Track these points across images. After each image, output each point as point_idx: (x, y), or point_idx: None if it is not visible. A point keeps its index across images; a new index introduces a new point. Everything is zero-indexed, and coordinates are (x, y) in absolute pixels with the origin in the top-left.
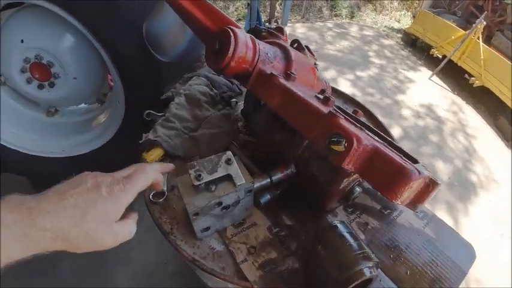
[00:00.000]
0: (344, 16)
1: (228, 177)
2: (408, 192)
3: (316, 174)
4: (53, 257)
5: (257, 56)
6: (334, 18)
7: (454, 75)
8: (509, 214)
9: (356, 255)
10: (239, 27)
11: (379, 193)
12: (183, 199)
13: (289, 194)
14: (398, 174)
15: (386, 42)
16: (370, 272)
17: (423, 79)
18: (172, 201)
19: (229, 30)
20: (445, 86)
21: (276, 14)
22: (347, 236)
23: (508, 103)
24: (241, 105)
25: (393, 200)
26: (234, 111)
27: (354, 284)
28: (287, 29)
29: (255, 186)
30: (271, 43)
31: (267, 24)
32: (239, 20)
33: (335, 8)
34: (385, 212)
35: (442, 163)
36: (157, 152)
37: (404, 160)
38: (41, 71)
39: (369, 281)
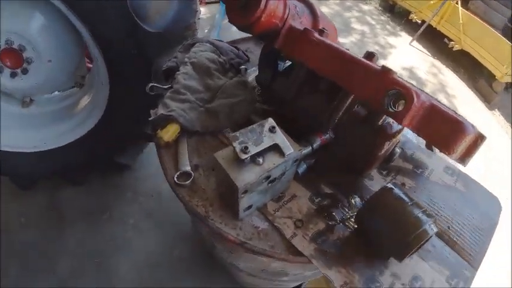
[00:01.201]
0: None
1: (274, 147)
2: (463, 146)
3: (357, 138)
4: (52, 255)
5: (287, 10)
6: None
7: (434, 40)
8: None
9: (417, 215)
10: None
11: (409, 153)
12: (230, 176)
13: (323, 162)
14: (456, 129)
15: (366, 7)
16: (432, 229)
17: (404, 44)
18: (200, 182)
19: None
20: (425, 50)
21: None
22: (404, 197)
23: (488, 66)
24: (250, 72)
25: (450, 154)
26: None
27: (420, 244)
28: None
29: (300, 155)
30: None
31: None
32: None
33: None
34: (418, 172)
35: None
36: (173, 129)
37: (458, 115)
38: (13, 57)
39: (429, 238)
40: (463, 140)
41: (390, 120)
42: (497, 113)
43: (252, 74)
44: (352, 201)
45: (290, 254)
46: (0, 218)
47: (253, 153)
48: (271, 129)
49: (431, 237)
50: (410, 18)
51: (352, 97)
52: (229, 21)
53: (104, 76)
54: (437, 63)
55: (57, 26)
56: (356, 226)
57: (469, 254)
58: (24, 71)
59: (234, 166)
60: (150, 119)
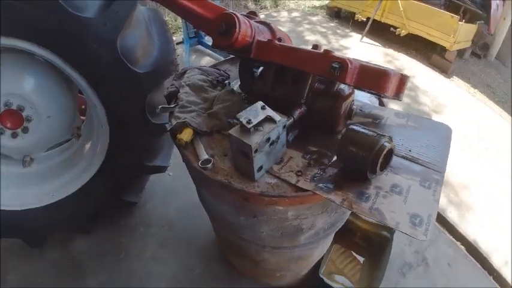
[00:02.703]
0: (269, 7)
1: (267, 119)
2: (392, 86)
3: (323, 105)
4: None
5: (253, 30)
6: (261, 10)
7: (382, 32)
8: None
9: (375, 137)
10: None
11: (367, 111)
12: (244, 141)
13: (305, 131)
14: (381, 75)
15: (314, 18)
16: (388, 143)
17: (356, 43)
18: (218, 164)
19: (233, 14)
20: (376, 43)
21: None
22: (362, 129)
23: (436, 40)
24: (233, 84)
25: (385, 93)
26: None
27: (382, 155)
28: None
29: (286, 122)
30: (257, 22)
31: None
32: (174, 32)
33: (259, 1)
34: (376, 122)
35: (392, 105)
36: (188, 131)
37: (382, 66)
38: (13, 118)
39: (391, 151)
40: (389, 81)
41: (342, 86)
42: (455, 78)
43: (235, 85)
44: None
45: (299, 191)
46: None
47: (254, 123)
48: (263, 107)
49: (390, 150)
50: (356, 18)
51: (311, 78)
52: (213, 44)
53: (103, 118)
54: (390, 51)
55: (51, 80)
56: (340, 163)
57: (432, 164)
58: (25, 130)
59: (243, 135)
60: (168, 129)
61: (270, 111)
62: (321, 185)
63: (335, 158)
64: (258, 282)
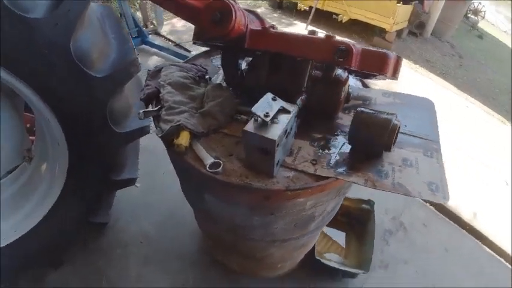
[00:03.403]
0: None
1: (281, 110)
2: (391, 66)
3: (322, 92)
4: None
5: (246, 19)
6: None
7: (325, 19)
8: None
9: (385, 117)
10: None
11: (355, 94)
12: (265, 137)
13: (305, 119)
14: (382, 57)
15: (258, 10)
16: (398, 121)
17: (301, 31)
18: (227, 166)
19: (228, 1)
20: (320, 30)
21: (152, 15)
22: (371, 111)
23: (376, 23)
24: (214, 79)
25: (385, 74)
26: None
27: (396, 133)
28: (165, 28)
29: (294, 110)
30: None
31: (144, 28)
32: None
33: None
34: (366, 103)
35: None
36: (186, 135)
37: (381, 49)
38: None
39: (399, 128)
40: (389, 62)
41: (339, 72)
42: None
43: (217, 80)
44: (337, 136)
45: (320, 180)
46: None
47: (272, 115)
48: (273, 99)
49: (399, 127)
50: (299, 8)
51: (310, 66)
52: (205, 34)
53: (59, 135)
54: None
55: None
56: (350, 146)
57: (427, 136)
58: None
59: (261, 130)
60: (160, 135)
61: (281, 102)
62: (339, 170)
63: (341, 141)
64: (257, 277)
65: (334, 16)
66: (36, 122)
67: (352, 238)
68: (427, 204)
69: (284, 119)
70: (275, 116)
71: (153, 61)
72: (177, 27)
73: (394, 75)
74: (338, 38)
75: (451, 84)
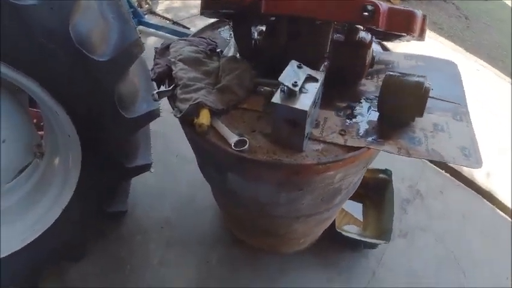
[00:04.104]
0: None
1: (308, 78)
2: (418, 26)
3: (346, 56)
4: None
5: None
6: None
7: None
8: None
9: (417, 80)
10: None
11: (376, 58)
12: (294, 107)
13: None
14: (410, 16)
15: None
16: (429, 84)
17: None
18: (252, 143)
19: None
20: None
21: None
22: (400, 74)
23: None
24: (226, 52)
25: (412, 34)
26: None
27: (427, 97)
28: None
29: (321, 77)
30: None
31: (139, 9)
32: None
33: None
34: (389, 67)
35: None
36: (206, 113)
37: (406, 7)
38: None
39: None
40: (417, 21)
41: (362, 34)
42: None
43: (229, 52)
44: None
45: (350, 151)
46: None
47: (300, 84)
48: (299, 66)
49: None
50: None
51: (332, 28)
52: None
53: (69, 126)
54: None
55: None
56: (378, 113)
57: (453, 99)
58: None
59: (290, 101)
60: (178, 116)
61: (308, 69)
62: (369, 139)
63: (367, 108)
64: (279, 253)
65: None
66: (43, 116)
67: (369, 209)
68: (442, 170)
69: (312, 88)
70: (302, 85)
71: (151, 41)
72: (172, 5)
73: (421, 35)
74: None
75: (459, 46)
